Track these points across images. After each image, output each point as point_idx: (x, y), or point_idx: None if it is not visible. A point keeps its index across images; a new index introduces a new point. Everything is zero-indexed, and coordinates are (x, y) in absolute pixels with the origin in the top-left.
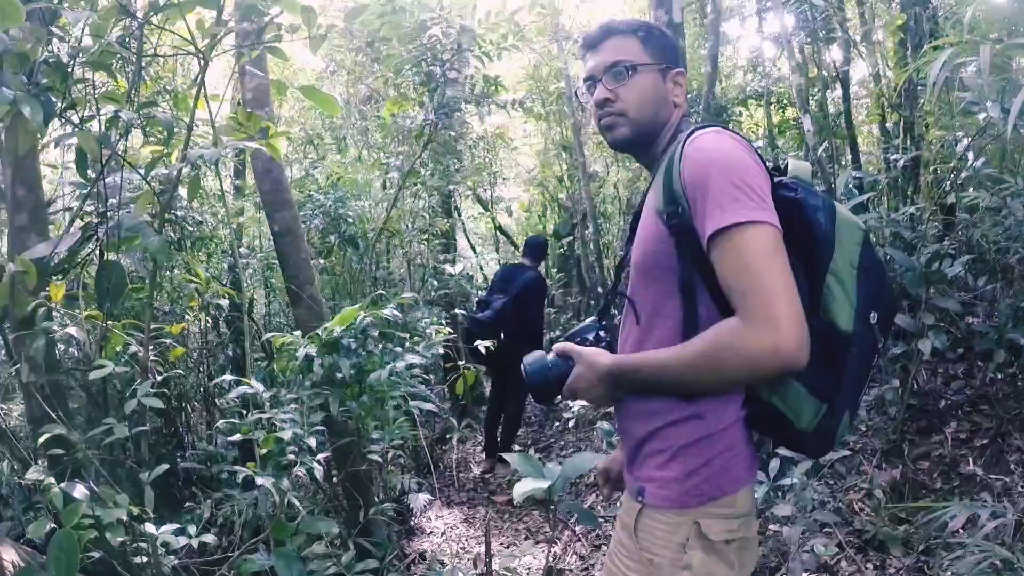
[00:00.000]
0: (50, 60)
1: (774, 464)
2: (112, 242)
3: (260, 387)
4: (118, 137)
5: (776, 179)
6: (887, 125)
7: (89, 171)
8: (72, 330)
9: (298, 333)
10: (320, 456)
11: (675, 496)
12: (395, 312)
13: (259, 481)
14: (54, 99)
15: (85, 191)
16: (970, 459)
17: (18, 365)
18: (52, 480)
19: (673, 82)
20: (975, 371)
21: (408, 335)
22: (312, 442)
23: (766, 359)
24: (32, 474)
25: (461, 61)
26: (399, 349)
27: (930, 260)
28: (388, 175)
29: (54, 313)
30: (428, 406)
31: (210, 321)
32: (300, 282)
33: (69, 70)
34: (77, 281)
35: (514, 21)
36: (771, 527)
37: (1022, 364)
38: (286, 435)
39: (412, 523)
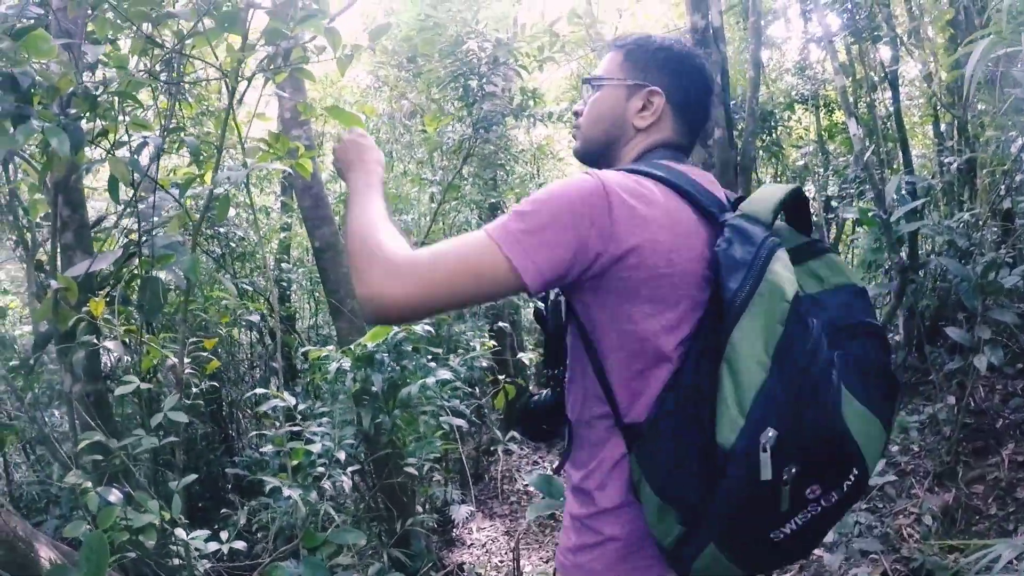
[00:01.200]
0: (78, 92)
1: None
2: (146, 260)
3: (292, 400)
4: (149, 161)
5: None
6: (940, 126)
7: (122, 193)
8: (110, 344)
9: (331, 347)
10: (353, 469)
11: (568, 565)
12: (427, 327)
13: (286, 492)
14: (84, 128)
15: (128, 211)
16: None
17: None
18: (89, 485)
19: (644, 101)
20: None
21: (441, 350)
22: (342, 455)
23: (360, 278)
24: (71, 478)
25: (500, 74)
26: (433, 364)
27: (986, 269)
28: (429, 190)
29: (98, 326)
30: (459, 421)
31: (257, 334)
32: (341, 296)
33: (97, 100)
34: (120, 296)
35: (553, 32)
36: (814, 552)
37: None
38: (315, 448)
39: (453, 535)
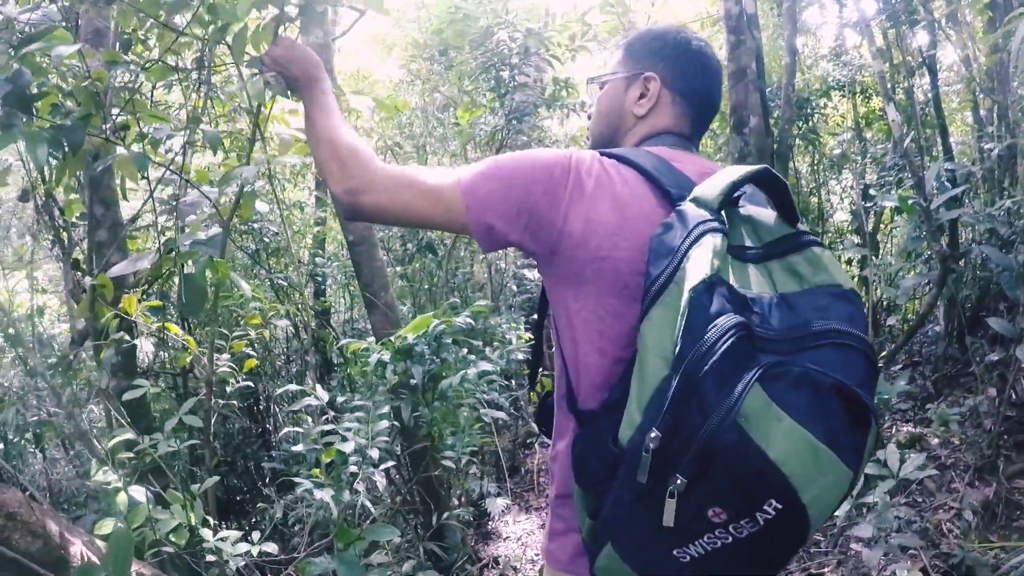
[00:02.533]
0: (76, 92)
1: None
2: (179, 257)
3: (325, 397)
4: (176, 154)
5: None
6: (980, 112)
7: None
8: (144, 340)
9: (372, 339)
10: (388, 464)
11: (543, 550)
12: (468, 319)
13: (317, 495)
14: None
15: (165, 208)
16: None
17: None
18: (119, 485)
19: (642, 89)
20: None
21: (482, 342)
22: (375, 453)
23: (336, 178)
24: (99, 476)
25: (532, 65)
26: (472, 356)
27: None
28: None
29: (132, 323)
30: (499, 414)
31: (293, 328)
32: (375, 289)
33: (100, 96)
34: (159, 293)
35: (584, 21)
36: (852, 547)
37: None
38: (347, 447)
39: (489, 528)
